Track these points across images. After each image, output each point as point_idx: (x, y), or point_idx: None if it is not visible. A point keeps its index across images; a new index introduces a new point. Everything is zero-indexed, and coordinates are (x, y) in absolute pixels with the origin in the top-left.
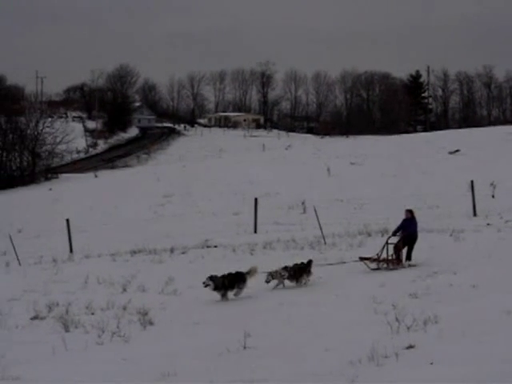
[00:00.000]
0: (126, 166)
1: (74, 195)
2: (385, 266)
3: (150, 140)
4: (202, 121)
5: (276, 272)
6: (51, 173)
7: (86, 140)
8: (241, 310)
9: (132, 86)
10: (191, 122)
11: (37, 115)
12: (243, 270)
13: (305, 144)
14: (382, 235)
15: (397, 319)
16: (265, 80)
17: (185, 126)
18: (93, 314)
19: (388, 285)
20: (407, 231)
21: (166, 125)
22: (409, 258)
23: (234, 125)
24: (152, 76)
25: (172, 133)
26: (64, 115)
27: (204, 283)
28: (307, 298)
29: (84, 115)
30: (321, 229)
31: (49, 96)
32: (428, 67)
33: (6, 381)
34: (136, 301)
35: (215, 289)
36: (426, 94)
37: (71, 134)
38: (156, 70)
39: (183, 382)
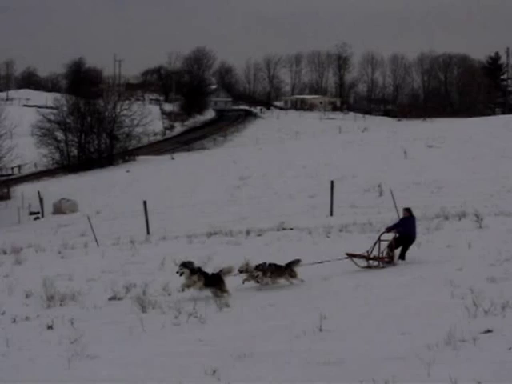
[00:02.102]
0: (203, 148)
1: (151, 177)
2: (375, 263)
3: (227, 122)
4: (278, 103)
5: (248, 272)
6: (128, 155)
7: (163, 122)
8: (317, 293)
9: (208, 69)
10: (267, 104)
11: (115, 98)
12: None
13: (381, 127)
14: (460, 219)
15: (474, 303)
16: (341, 62)
17: (261, 109)
18: (169, 295)
19: (465, 269)
20: (404, 230)
21: (242, 107)
22: (402, 257)
23: (310, 107)
24: (228, 59)
25: (248, 115)
26: (141, 98)
27: (178, 272)
28: (384, 280)
29: (161, 98)
30: (397, 212)
31: (126, 79)
32: (507, 49)
33: (84, 360)
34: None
35: (192, 273)
36: (505, 76)
37: (148, 117)
38: (232, 52)
39: (259, 364)
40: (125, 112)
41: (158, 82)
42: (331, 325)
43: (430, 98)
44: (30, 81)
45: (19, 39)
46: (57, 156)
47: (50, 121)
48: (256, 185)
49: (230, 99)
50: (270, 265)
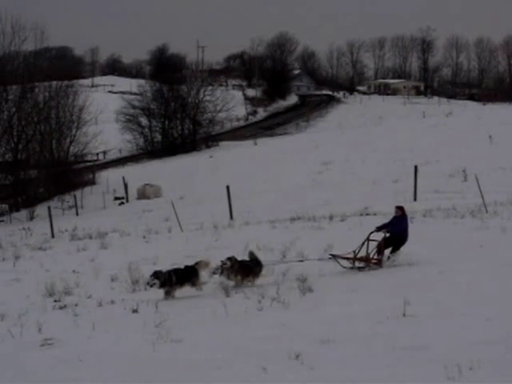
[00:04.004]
0: (285, 133)
1: (234, 163)
2: (361, 265)
3: (309, 107)
4: (361, 88)
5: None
6: (212, 140)
7: (246, 108)
8: (400, 278)
9: (291, 54)
10: (350, 89)
11: (198, 84)
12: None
13: (466, 111)
14: None
15: None
16: (425, 46)
17: (344, 94)
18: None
19: None
20: (395, 230)
21: (324, 92)
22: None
23: (394, 92)
24: (311, 43)
25: (331, 100)
26: (224, 83)
27: (148, 283)
28: (468, 266)
29: (244, 83)
30: (482, 197)
31: (209, 64)
32: None
33: (169, 343)
34: (295, 267)
35: (162, 285)
36: None
37: (231, 102)
38: (315, 37)
39: (343, 348)
40: (208, 97)
41: (241, 68)
42: (415, 310)
43: None
44: (114, 67)
45: (104, 26)
46: (141, 142)
47: (134, 107)
48: (339, 170)
49: (312, 84)
50: (241, 262)
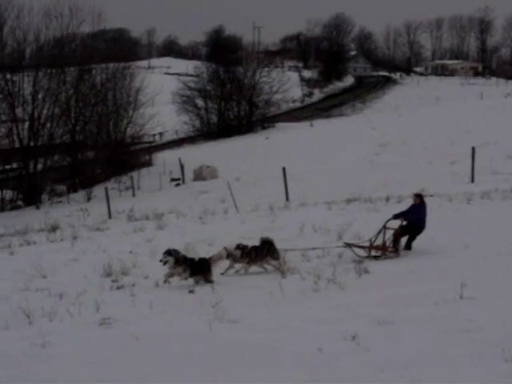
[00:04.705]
0: (341, 115)
1: (290, 144)
2: (378, 254)
3: (365, 89)
4: (418, 69)
5: (226, 252)
6: (268, 122)
7: (302, 89)
8: (457, 260)
9: (347, 35)
10: (407, 70)
11: (254, 65)
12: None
13: None
14: None
15: None
16: (483, 26)
17: (400, 75)
18: (308, 261)
19: None
20: (413, 218)
21: (381, 73)
22: (408, 247)
23: (451, 73)
24: (367, 24)
25: (387, 81)
26: (280, 65)
27: (161, 260)
28: None
29: (300, 64)
30: None
31: (265, 46)
32: None
33: (225, 323)
34: (350, 249)
35: (176, 263)
36: None
37: (287, 84)
38: (372, 18)
39: (399, 330)
40: (264, 79)
41: (297, 49)
42: (472, 292)
43: None
44: (170, 49)
45: (160, 8)
46: (197, 123)
47: (190, 88)
48: (395, 151)
49: (369, 65)
50: (252, 248)
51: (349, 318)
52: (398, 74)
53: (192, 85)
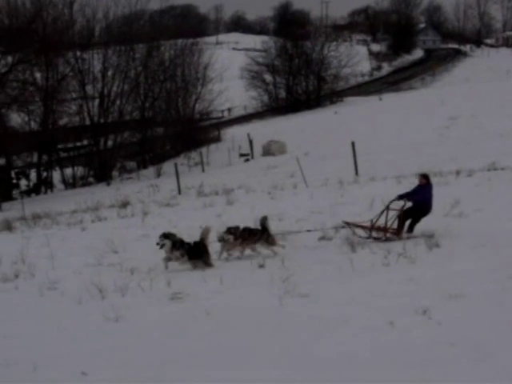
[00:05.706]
0: (411, 88)
1: (359, 118)
2: (380, 235)
3: (435, 62)
4: (488, 41)
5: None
6: (336, 96)
7: (371, 63)
8: None
9: (417, 8)
10: (477, 42)
11: (322, 39)
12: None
13: None
14: None
15: None
16: None
17: (470, 47)
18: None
19: None
20: (418, 199)
21: (451, 46)
22: (411, 229)
23: None
24: None
25: (457, 54)
26: (348, 39)
27: (158, 243)
28: None
29: (368, 38)
30: None
31: (333, 20)
32: None
33: (295, 298)
34: (421, 223)
35: (173, 246)
36: None
37: (355, 58)
38: None
39: (471, 304)
40: (332, 53)
41: (365, 23)
42: None
43: None
44: (238, 24)
45: None
46: (265, 98)
47: (258, 63)
48: (466, 124)
49: (438, 38)
50: (244, 229)
51: (420, 292)
52: (468, 46)
53: (260, 60)
